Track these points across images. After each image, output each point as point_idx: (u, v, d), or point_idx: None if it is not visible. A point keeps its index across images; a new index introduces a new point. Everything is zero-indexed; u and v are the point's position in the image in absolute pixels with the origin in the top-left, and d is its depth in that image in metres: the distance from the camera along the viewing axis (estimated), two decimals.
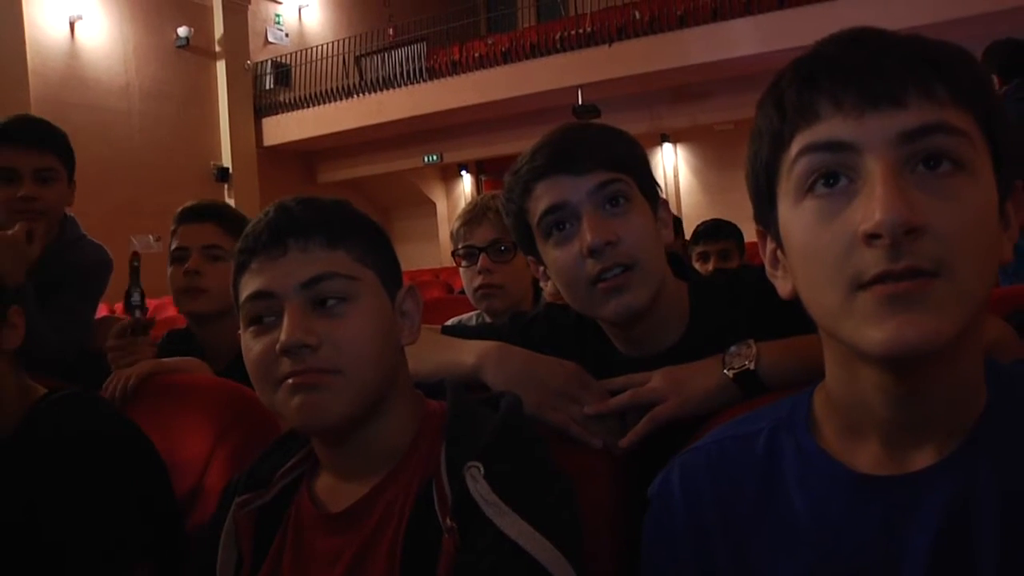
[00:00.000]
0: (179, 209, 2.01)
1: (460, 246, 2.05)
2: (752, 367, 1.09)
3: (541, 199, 1.18)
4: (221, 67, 13.56)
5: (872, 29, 0.73)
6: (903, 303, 0.64)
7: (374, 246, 1.03)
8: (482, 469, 0.90)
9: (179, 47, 12.89)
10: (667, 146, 14.23)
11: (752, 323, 1.14)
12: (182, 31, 12.80)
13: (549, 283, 1.27)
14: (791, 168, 0.71)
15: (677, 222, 4.11)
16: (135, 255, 2.01)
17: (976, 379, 0.73)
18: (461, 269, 2.09)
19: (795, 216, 0.72)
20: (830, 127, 0.69)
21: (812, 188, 0.70)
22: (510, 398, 1.03)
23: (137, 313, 1.91)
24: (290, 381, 0.93)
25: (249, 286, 0.98)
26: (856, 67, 0.69)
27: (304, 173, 14.92)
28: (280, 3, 14.85)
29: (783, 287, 0.78)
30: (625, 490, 1.12)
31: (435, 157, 13.97)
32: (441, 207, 15.87)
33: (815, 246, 0.69)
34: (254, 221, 1.01)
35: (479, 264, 2.00)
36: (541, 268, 1.27)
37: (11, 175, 2.03)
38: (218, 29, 13.49)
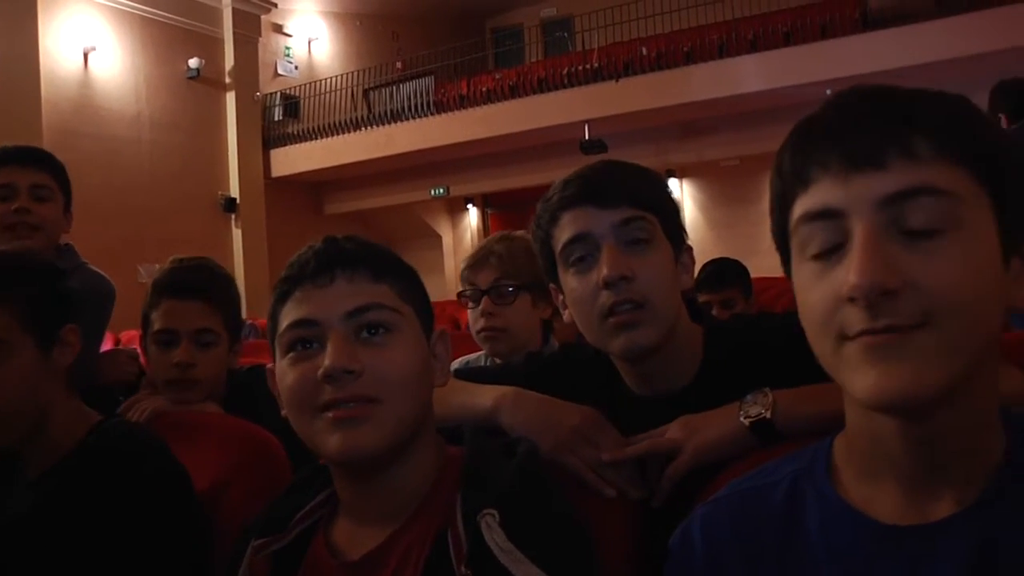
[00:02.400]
0: (160, 276, 1.83)
1: (465, 288, 2.08)
2: (768, 415, 1.09)
3: (566, 228, 1.21)
4: (231, 98, 13.66)
5: (869, 88, 0.74)
6: (883, 353, 0.67)
7: (414, 286, 1.06)
8: (497, 516, 0.90)
9: (190, 78, 12.99)
10: (673, 181, 14.28)
11: (768, 370, 1.14)
12: (193, 62, 12.91)
13: (567, 312, 1.29)
14: (795, 231, 0.75)
15: None
16: None
17: (991, 426, 0.74)
18: (468, 311, 2.11)
19: (798, 274, 0.75)
20: (821, 192, 0.72)
21: (810, 249, 0.73)
22: (527, 444, 1.04)
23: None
24: (331, 415, 0.94)
25: (292, 314, 0.99)
26: (839, 130, 0.72)
27: (311, 204, 14.98)
28: (290, 36, 14.98)
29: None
30: (644, 538, 1.12)
31: (442, 190, 14.01)
32: (447, 240, 15.90)
33: (810, 303, 0.72)
34: (300, 252, 1.03)
35: (481, 307, 2.03)
36: (561, 297, 1.29)
37: (8, 192, 2.05)
38: (228, 61, 13.62)
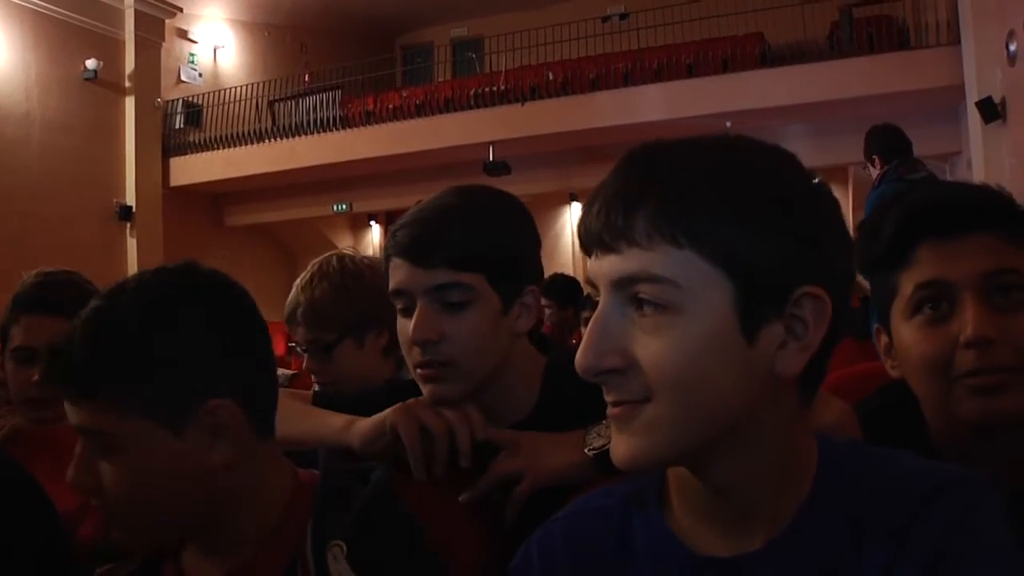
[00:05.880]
0: (21, 290, 1.72)
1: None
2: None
3: (392, 276, 1.21)
4: (130, 103, 13.26)
5: (641, 153, 0.76)
6: (617, 426, 0.74)
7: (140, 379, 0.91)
8: (344, 548, 0.90)
9: (87, 79, 12.56)
10: (576, 205, 14.49)
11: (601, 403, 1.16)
12: (90, 63, 12.49)
13: None
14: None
15: (576, 287, 4.11)
16: None
17: (793, 470, 0.77)
18: None
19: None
20: (590, 263, 0.76)
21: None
22: (381, 472, 1.02)
23: None
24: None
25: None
26: (596, 212, 0.74)
27: (211, 215, 14.62)
28: (195, 42, 14.66)
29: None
30: (498, 558, 1.13)
31: (344, 206, 13.87)
32: None
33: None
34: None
35: (305, 365, 1.91)
36: None
37: None
38: (129, 64, 13.22)
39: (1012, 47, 7.10)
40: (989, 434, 1.07)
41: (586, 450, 1.13)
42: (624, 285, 0.71)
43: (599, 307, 0.73)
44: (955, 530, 0.70)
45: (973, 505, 0.71)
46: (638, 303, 0.71)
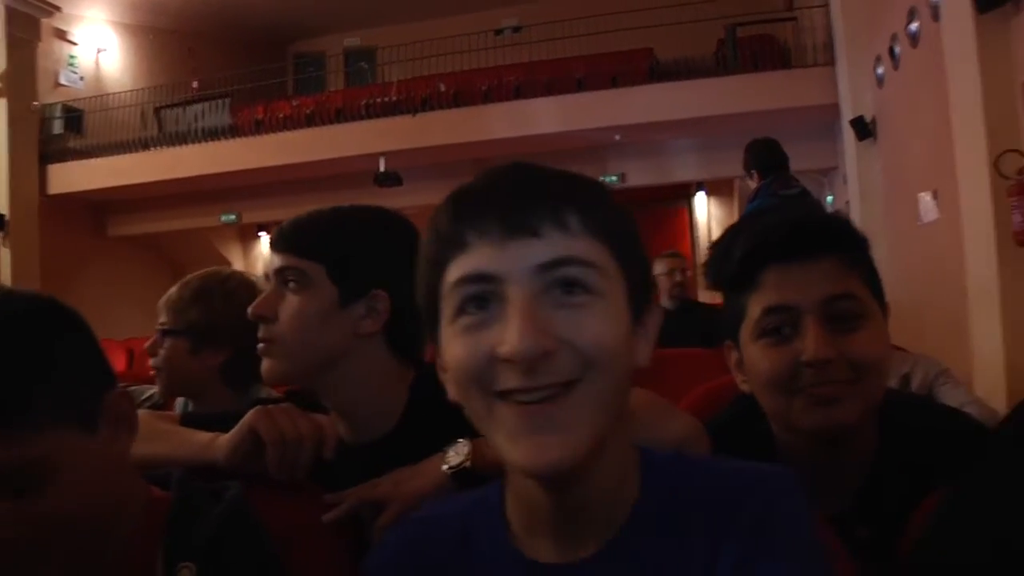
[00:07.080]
0: None
1: None
2: (468, 465, 1.16)
3: None
4: (1, 105, 12.59)
5: (526, 164, 0.81)
6: (537, 422, 0.73)
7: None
8: (195, 569, 0.89)
9: None
10: None
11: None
12: None
13: None
14: (450, 293, 0.78)
15: None
16: None
17: (628, 476, 0.82)
18: None
19: (450, 332, 0.78)
20: (477, 256, 0.76)
21: (465, 309, 0.77)
22: (235, 491, 1.01)
23: None
24: None
25: None
26: (498, 199, 0.77)
27: (93, 225, 14.01)
28: (75, 44, 14.08)
29: (449, 392, 0.82)
30: None
31: (233, 217, 13.51)
32: (238, 268, 15.32)
33: (460, 360, 0.76)
34: None
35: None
36: None
37: None
38: (0, 64, 12.64)
39: (880, 70, 7.50)
40: (831, 444, 1.15)
41: (444, 467, 1.17)
42: (550, 268, 0.74)
43: (521, 294, 0.73)
44: (762, 522, 0.76)
45: (778, 497, 0.78)
46: (566, 285, 0.75)
